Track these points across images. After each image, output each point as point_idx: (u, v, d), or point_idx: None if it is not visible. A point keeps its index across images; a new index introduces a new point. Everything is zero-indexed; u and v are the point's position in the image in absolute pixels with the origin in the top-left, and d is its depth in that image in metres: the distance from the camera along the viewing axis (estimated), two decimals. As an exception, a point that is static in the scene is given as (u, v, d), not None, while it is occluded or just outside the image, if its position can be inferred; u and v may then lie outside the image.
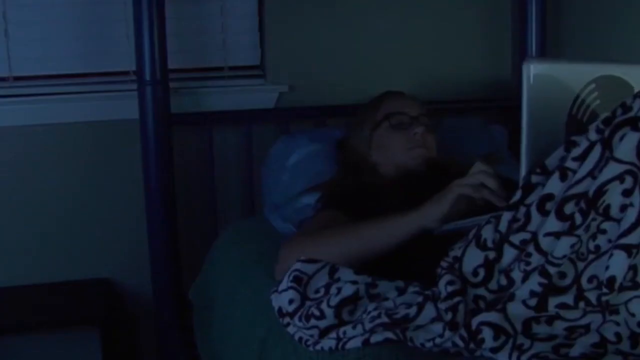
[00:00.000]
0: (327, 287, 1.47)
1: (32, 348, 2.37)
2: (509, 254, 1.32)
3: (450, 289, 1.33)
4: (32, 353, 2.36)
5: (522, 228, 1.31)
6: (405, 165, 1.95)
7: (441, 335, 1.28)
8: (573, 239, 1.23)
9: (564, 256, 1.24)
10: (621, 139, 1.22)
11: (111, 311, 2.34)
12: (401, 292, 1.43)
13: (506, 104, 2.59)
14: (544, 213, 1.28)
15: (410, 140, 1.97)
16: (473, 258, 1.36)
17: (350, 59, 2.56)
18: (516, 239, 1.31)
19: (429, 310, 1.33)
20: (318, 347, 1.40)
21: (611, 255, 1.20)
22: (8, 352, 2.36)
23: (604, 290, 1.21)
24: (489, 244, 1.35)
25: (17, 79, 2.36)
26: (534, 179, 1.34)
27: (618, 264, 1.19)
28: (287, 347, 1.49)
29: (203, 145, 2.41)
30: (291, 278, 1.50)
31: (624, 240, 1.19)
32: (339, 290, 1.44)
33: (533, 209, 1.30)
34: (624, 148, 1.21)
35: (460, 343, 1.26)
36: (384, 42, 2.58)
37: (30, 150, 2.39)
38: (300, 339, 1.43)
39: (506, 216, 1.34)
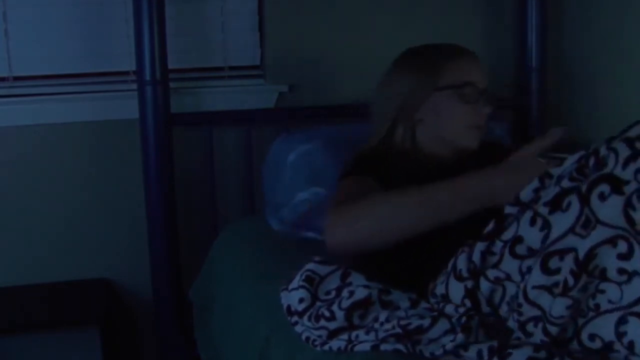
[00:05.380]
0: (339, 290, 1.47)
1: (32, 348, 2.37)
2: (485, 285, 1.34)
3: (462, 310, 1.34)
4: (32, 353, 2.36)
5: (496, 266, 1.32)
6: (455, 143, 1.80)
7: (453, 340, 1.28)
8: (568, 301, 1.23)
9: (562, 316, 1.24)
10: (601, 198, 1.22)
11: (111, 311, 2.34)
12: (414, 304, 1.43)
13: (507, 103, 2.59)
14: (516, 256, 1.30)
15: (474, 119, 1.79)
16: (456, 290, 1.38)
17: (351, 59, 2.55)
18: (491, 274, 1.33)
19: (443, 324, 1.33)
20: (326, 347, 1.40)
21: (625, 321, 1.20)
22: (8, 352, 2.36)
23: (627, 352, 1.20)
24: (464, 273, 1.36)
25: (17, 79, 2.36)
26: (508, 209, 1.35)
27: (637, 331, 1.19)
28: (291, 347, 1.48)
29: (203, 145, 2.41)
30: (303, 277, 1.49)
31: (636, 309, 1.19)
32: (352, 293, 1.44)
33: (506, 252, 1.31)
34: (610, 212, 1.21)
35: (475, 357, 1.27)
36: (384, 42, 2.57)
37: (30, 150, 2.39)
38: (308, 338, 1.43)
39: (479, 246, 1.35)
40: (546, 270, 1.25)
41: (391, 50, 2.58)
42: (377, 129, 1.88)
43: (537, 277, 1.25)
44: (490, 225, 1.36)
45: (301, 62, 2.52)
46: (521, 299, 1.28)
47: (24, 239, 2.41)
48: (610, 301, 1.21)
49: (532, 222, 1.29)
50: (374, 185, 1.65)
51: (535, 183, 1.34)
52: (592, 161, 1.27)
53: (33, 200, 2.40)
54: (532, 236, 1.29)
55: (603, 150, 1.27)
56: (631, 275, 1.19)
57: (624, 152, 1.24)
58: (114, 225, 2.46)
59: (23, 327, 2.27)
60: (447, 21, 2.63)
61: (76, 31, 2.38)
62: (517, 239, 1.30)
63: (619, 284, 1.20)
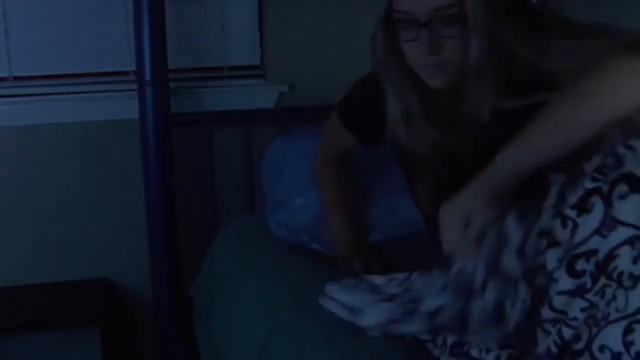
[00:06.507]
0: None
1: (32, 348, 2.37)
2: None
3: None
4: (32, 353, 2.36)
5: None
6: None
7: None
8: (584, 303, 1.21)
9: (575, 318, 1.21)
10: (621, 197, 1.19)
11: (111, 311, 2.34)
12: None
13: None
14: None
15: (421, 59, 1.43)
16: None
17: (350, 59, 2.55)
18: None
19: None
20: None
21: (631, 330, 1.14)
22: (8, 352, 2.36)
23: None
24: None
25: (17, 79, 2.36)
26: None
27: None
28: (291, 347, 1.49)
29: (203, 145, 2.41)
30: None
31: None
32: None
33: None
34: (628, 212, 1.18)
35: None
36: (384, 42, 2.58)
37: (30, 150, 2.39)
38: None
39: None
40: (572, 272, 1.22)
41: (391, 50, 2.59)
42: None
43: (563, 281, 1.23)
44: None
45: (301, 62, 2.52)
46: (545, 308, 1.26)
47: (24, 239, 2.41)
48: (617, 309, 1.17)
49: (564, 225, 1.26)
50: (346, 142, 1.84)
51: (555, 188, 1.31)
52: (610, 161, 1.24)
53: (33, 200, 2.40)
54: (565, 238, 1.26)
55: (621, 149, 1.23)
56: (637, 279, 1.15)
57: None
58: (114, 225, 2.46)
59: (23, 327, 2.27)
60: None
61: (76, 31, 2.38)
62: (554, 243, 1.27)
63: (626, 289, 1.17)
